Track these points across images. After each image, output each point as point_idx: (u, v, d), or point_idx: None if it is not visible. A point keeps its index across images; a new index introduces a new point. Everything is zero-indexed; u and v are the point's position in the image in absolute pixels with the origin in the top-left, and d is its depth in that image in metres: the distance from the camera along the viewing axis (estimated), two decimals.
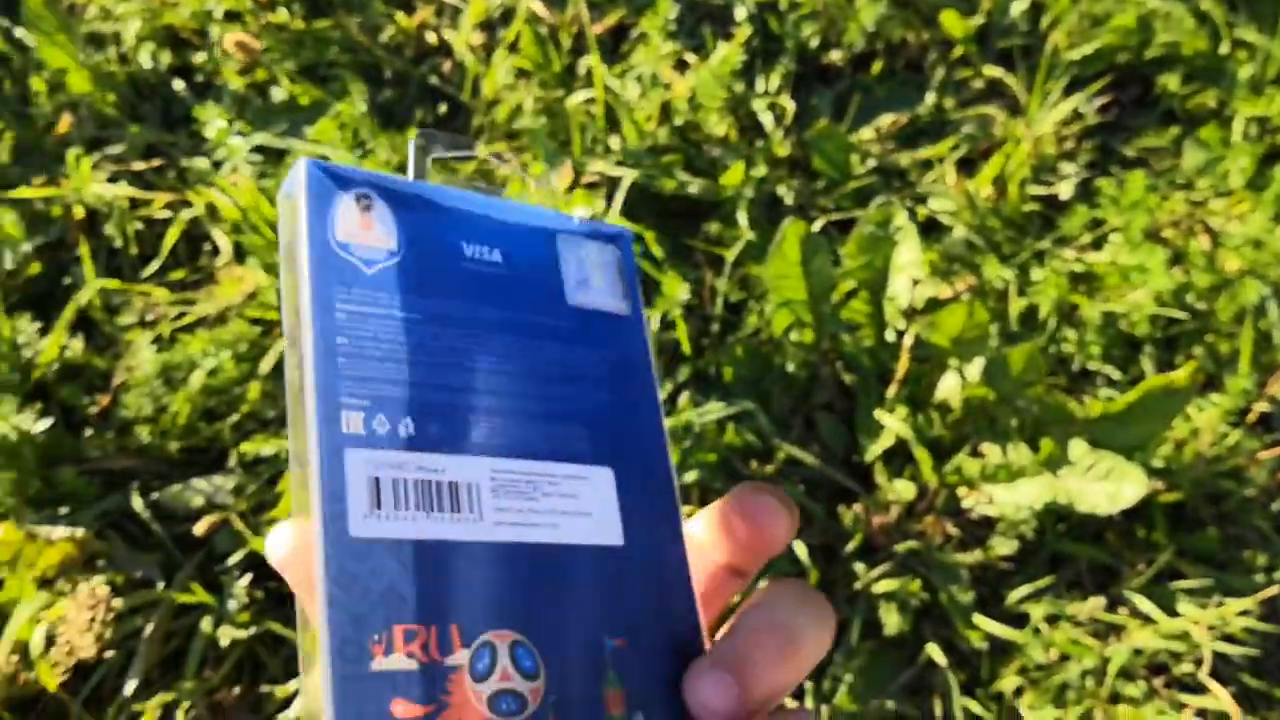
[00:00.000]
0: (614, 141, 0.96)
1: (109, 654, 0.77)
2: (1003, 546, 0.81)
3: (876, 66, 1.03)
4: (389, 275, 0.34)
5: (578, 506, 0.34)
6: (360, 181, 0.35)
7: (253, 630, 0.80)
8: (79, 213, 0.94)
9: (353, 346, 0.33)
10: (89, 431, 0.87)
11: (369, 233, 0.35)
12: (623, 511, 0.35)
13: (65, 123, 0.98)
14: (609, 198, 0.92)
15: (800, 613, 0.33)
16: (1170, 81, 1.01)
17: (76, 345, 0.89)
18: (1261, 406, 0.87)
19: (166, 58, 1.01)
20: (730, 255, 0.89)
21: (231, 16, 1.02)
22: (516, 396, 0.35)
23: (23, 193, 0.93)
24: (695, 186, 0.94)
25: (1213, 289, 0.91)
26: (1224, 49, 1.03)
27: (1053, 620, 0.80)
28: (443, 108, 1.02)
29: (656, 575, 0.35)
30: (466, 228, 0.36)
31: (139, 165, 0.96)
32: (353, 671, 0.30)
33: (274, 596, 0.82)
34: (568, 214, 0.39)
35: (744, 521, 0.35)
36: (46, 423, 0.85)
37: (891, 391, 0.86)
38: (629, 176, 0.92)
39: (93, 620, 0.73)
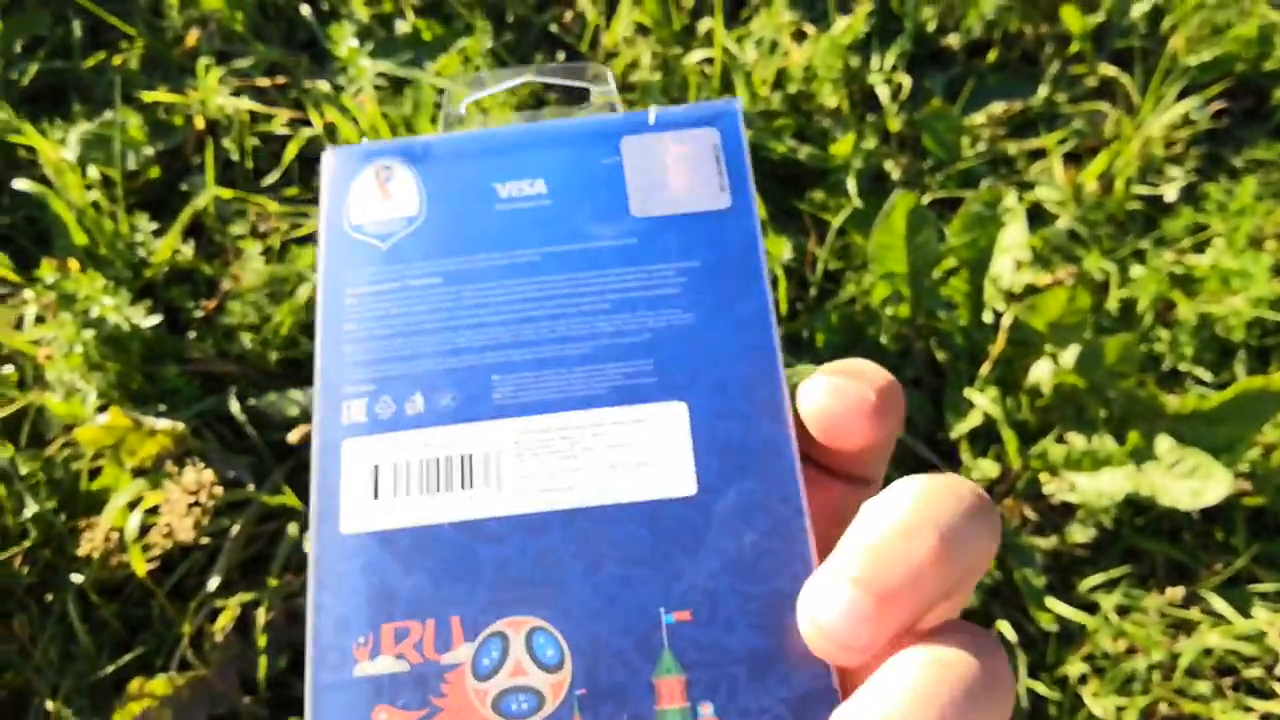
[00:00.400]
0: None
1: (204, 540, 0.79)
2: (1080, 534, 0.82)
3: (992, 55, 1.03)
4: (406, 245, 0.33)
5: (631, 456, 0.29)
6: (380, 153, 0.34)
7: None
8: (200, 123, 0.97)
9: (361, 331, 0.31)
10: (193, 334, 0.89)
11: (388, 204, 0.33)
12: (699, 453, 0.29)
13: (193, 36, 1.01)
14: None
15: (946, 506, 0.25)
16: None
17: (188, 250, 0.91)
18: None
19: None
20: (836, 221, 0.90)
21: None
22: (557, 342, 0.31)
23: (150, 96, 0.95)
24: (804, 153, 0.95)
25: None
26: None
27: (1124, 611, 0.81)
28: (561, 55, 1.03)
29: (746, 524, 0.28)
30: (501, 166, 0.34)
31: (262, 82, 0.98)
32: (333, 679, 0.27)
33: None
34: (640, 111, 0.35)
35: (813, 411, 0.28)
36: (155, 319, 0.87)
37: (983, 371, 0.86)
38: None
39: (194, 505, 0.75)
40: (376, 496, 0.29)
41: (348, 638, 0.28)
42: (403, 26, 1.02)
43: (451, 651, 0.27)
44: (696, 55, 0.99)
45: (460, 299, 0.31)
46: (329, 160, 0.33)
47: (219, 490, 0.76)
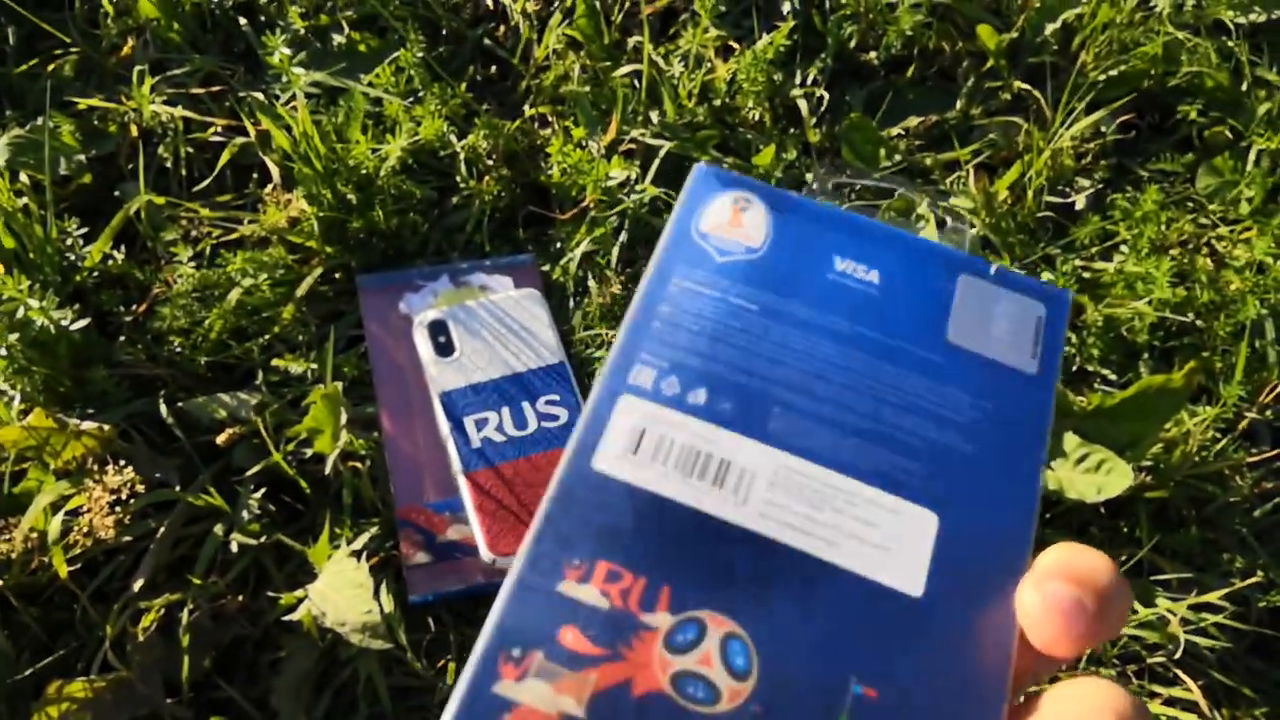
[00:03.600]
0: (654, 115, 1.00)
1: (127, 540, 0.80)
2: None
3: (910, 71, 1.07)
4: (740, 267, 0.35)
5: (874, 537, 0.31)
6: (745, 185, 0.37)
7: (263, 540, 0.83)
8: (135, 130, 0.98)
9: (673, 316, 0.34)
10: (123, 338, 0.90)
11: (736, 229, 0.36)
12: (936, 564, 0.31)
13: (129, 45, 1.02)
14: (644, 166, 0.96)
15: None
16: (1190, 111, 1.05)
17: (119, 256, 0.92)
18: (1252, 415, 0.90)
19: None
20: None
21: None
22: (841, 407, 0.33)
23: (84, 103, 0.96)
24: (728, 164, 0.98)
25: (1213, 307, 0.95)
26: (1244, 86, 1.07)
27: None
28: (493, 69, 1.06)
29: (956, 648, 0.30)
30: (846, 244, 0.36)
31: (198, 91, 1.00)
32: (537, 583, 0.29)
33: (286, 511, 0.85)
34: (984, 259, 0.37)
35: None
36: (83, 323, 0.88)
37: None
38: (665, 148, 0.96)
39: (116, 505, 0.76)
40: (635, 453, 0.31)
41: (565, 554, 0.30)
42: (338, 38, 1.03)
43: (653, 614, 0.29)
44: (625, 69, 1.02)
45: (768, 331, 0.34)
46: (702, 172, 0.37)
47: (141, 489, 0.76)
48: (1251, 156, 1.03)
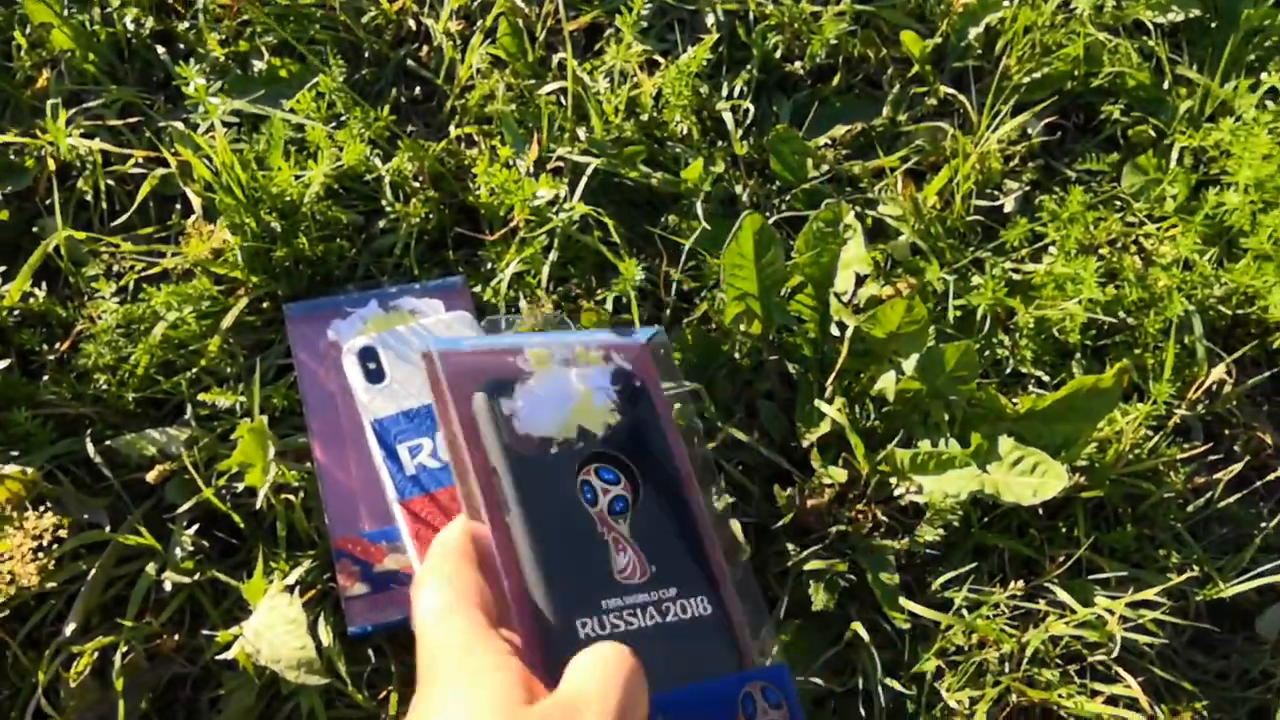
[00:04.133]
0: (581, 132, 1.00)
1: (54, 585, 0.78)
2: (929, 534, 0.85)
3: (836, 79, 1.07)
4: None
5: None
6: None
7: (197, 577, 0.81)
8: (52, 164, 0.96)
9: None
10: (46, 377, 0.88)
11: None
12: None
13: (44, 78, 1.00)
14: (572, 184, 0.96)
15: None
16: (1114, 110, 1.06)
17: (40, 294, 0.90)
18: (1182, 412, 0.91)
19: (150, 22, 1.03)
20: (687, 244, 0.92)
21: None
22: None
23: (2, 139, 0.94)
24: (656, 179, 0.98)
25: (1142, 305, 0.96)
26: (1166, 84, 1.08)
27: (974, 607, 0.83)
28: (417, 90, 1.05)
29: None
30: None
31: (115, 123, 0.98)
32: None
33: (221, 546, 0.84)
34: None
35: None
36: (3, 364, 0.86)
37: (831, 382, 0.89)
38: (593, 164, 0.95)
39: (38, 550, 0.74)
40: None
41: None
42: (259, 64, 1.02)
43: None
44: (550, 87, 1.01)
45: None
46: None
47: (64, 534, 0.75)
48: (1174, 154, 1.04)
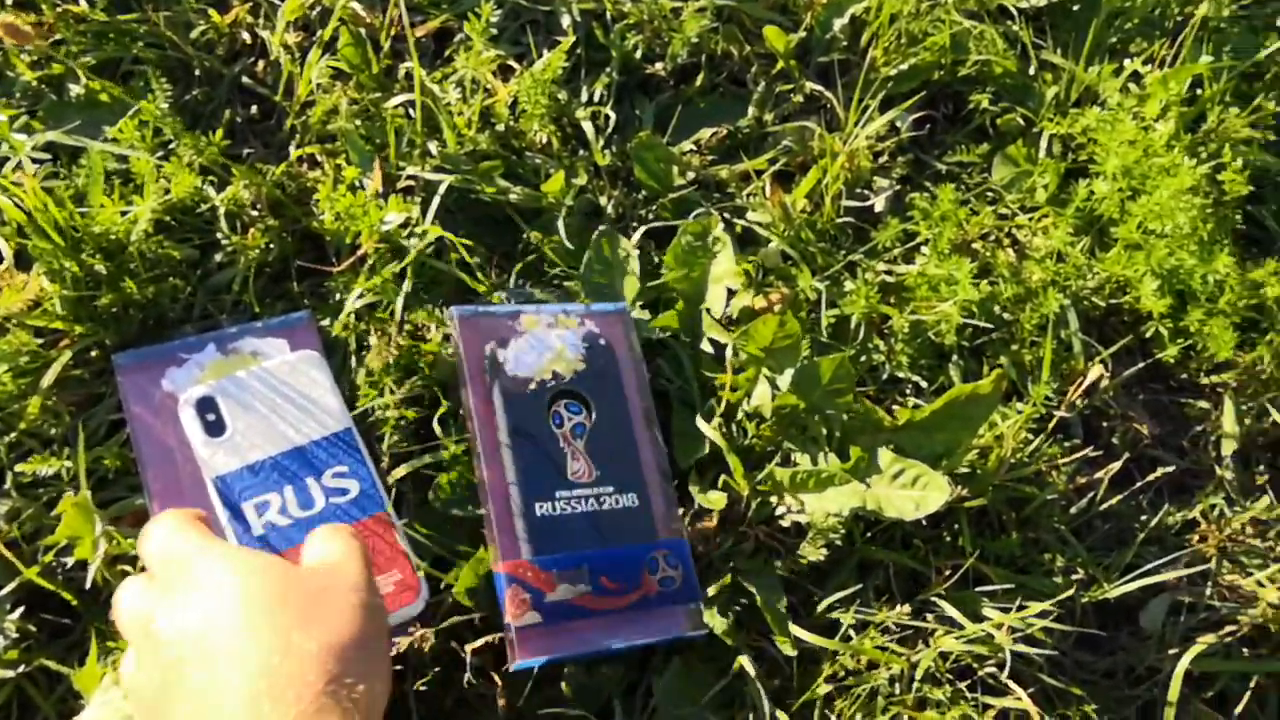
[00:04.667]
0: (432, 147, 0.94)
1: None
2: (812, 554, 0.82)
3: (699, 79, 1.03)
4: None
5: None
6: None
7: (23, 669, 0.74)
8: None
9: None
10: None
11: None
12: None
13: None
14: (425, 205, 0.90)
15: None
16: (982, 99, 1.04)
17: None
18: (1061, 413, 0.90)
19: None
20: (551, 263, 0.88)
21: (23, 4, 0.96)
22: None
23: None
24: (515, 194, 0.93)
25: (1017, 300, 0.94)
26: (1032, 70, 1.07)
27: (862, 627, 0.81)
28: (254, 109, 0.98)
29: None
30: None
31: None
32: None
33: (49, 629, 0.77)
34: None
35: None
36: None
37: (710, 402, 0.85)
38: (446, 182, 0.90)
39: None
40: None
41: None
42: (75, 89, 0.94)
43: None
44: (397, 99, 0.95)
45: None
46: None
47: None
48: (1043, 143, 1.03)
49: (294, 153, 0.94)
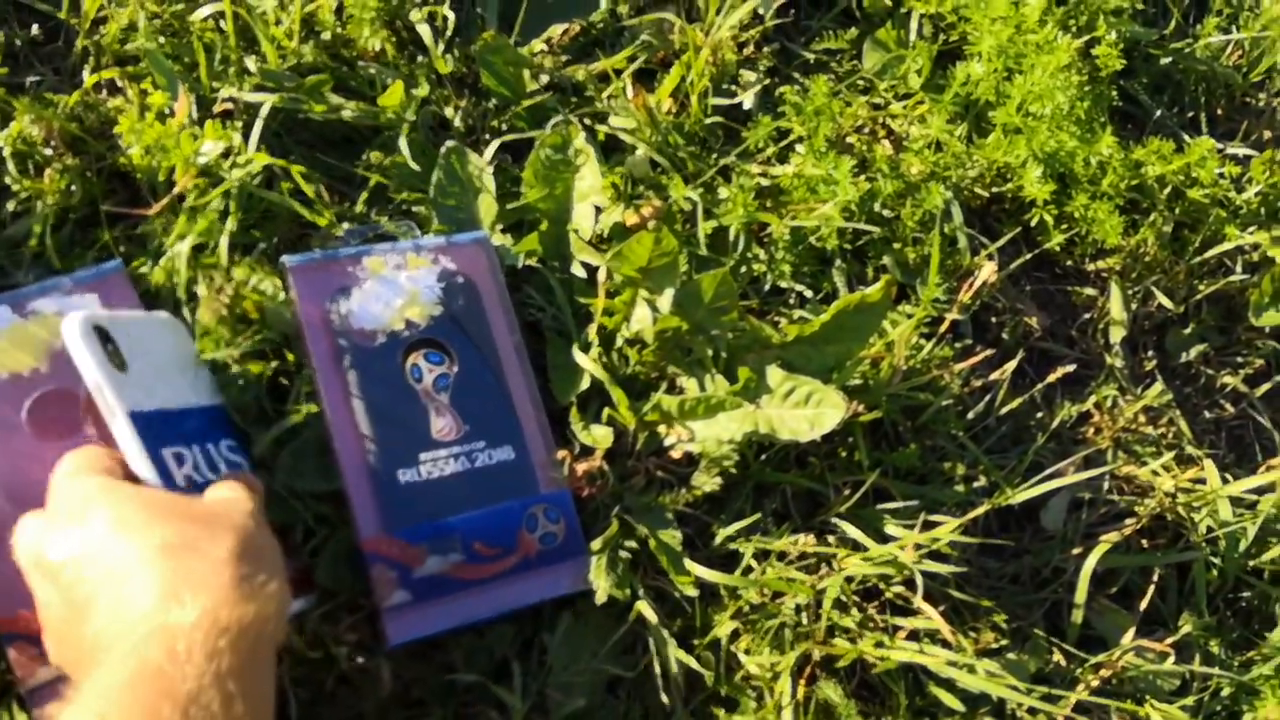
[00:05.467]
0: (250, 63, 0.83)
1: None
2: (706, 484, 0.77)
3: None
4: None
5: None
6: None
7: None
8: None
9: None
10: None
11: None
12: None
13: None
14: (246, 130, 0.80)
15: None
16: None
17: None
18: (953, 316, 0.86)
19: None
20: (394, 187, 0.79)
21: None
22: None
23: None
24: (349, 111, 0.83)
25: (898, 196, 0.89)
26: None
27: (763, 557, 0.77)
28: (34, 28, 0.85)
29: None
30: None
31: None
32: None
33: None
34: None
35: None
36: None
37: (587, 331, 0.79)
38: (269, 102, 0.80)
39: None
40: None
41: None
42: None
43: None
44: (205, 10, 0.84)
45: None
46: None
47: None
48: (913, 24, 0.97)
49: (89, 79, 0.81)
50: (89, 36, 0.84)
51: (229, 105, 0.82)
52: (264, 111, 0.79)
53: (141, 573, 0.53)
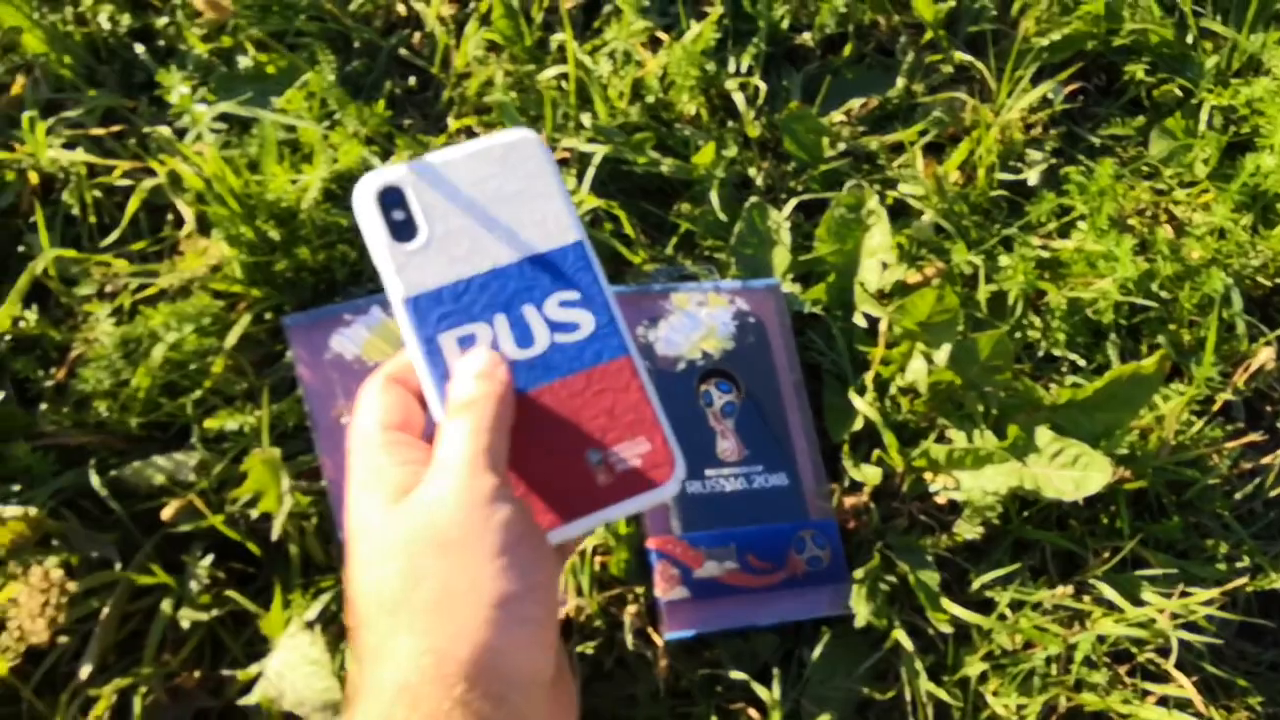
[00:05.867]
0: (585, 118, 0.95)
1: (62, 639, 0.75)
2: (968, 531, 0.82)
3: (847, 49, 1.02)
4: None
5: None
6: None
7: (214, 612, 0.78)
8: (34, 178, 0.91)
9: None
10: (44, 406, 0.84)
11: None
12: None
13: (19, 85, 0.95)
14: (580, 175, 0.91)
15: None
16: (1137, 70, 1.01)
17: (31, 317, 0.86)
18: (1225, 396, 0.88)
19: (126, 20, 0.98)
20: (700, 234, 0.88)
21: None
22: None
23: None
24: (666, 166, 0.93)
25: (1177, 278, 0.92)
26: (1190, 39, 1.04)
27: (1018, 606, 0.81)
28: (412, 80, 1.00)
29: None
30: None
31: (98, 131, 0.93)
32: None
33: (237, 577, 0.81)
34: None
35: None
36: None
37: (863, 375, 0.86)
38: (600, 153, 0.91)
39: (45, 604, 0.71)
40: None
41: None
42: (244, 61, 0.97)
43: None
44: (551, 71, 0.97)
45: None
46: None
47: (72, 585, 0.72)
48: (1203, 115, 1.00)
49: (452, 124, 0.96)
50: (454, 89, 0.98)
51: (566, 154, 0.94)
52: (595, 160, 0.91)
53: (377, 627, 0.48)
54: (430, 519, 0.48)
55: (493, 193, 0.55)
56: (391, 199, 0.53)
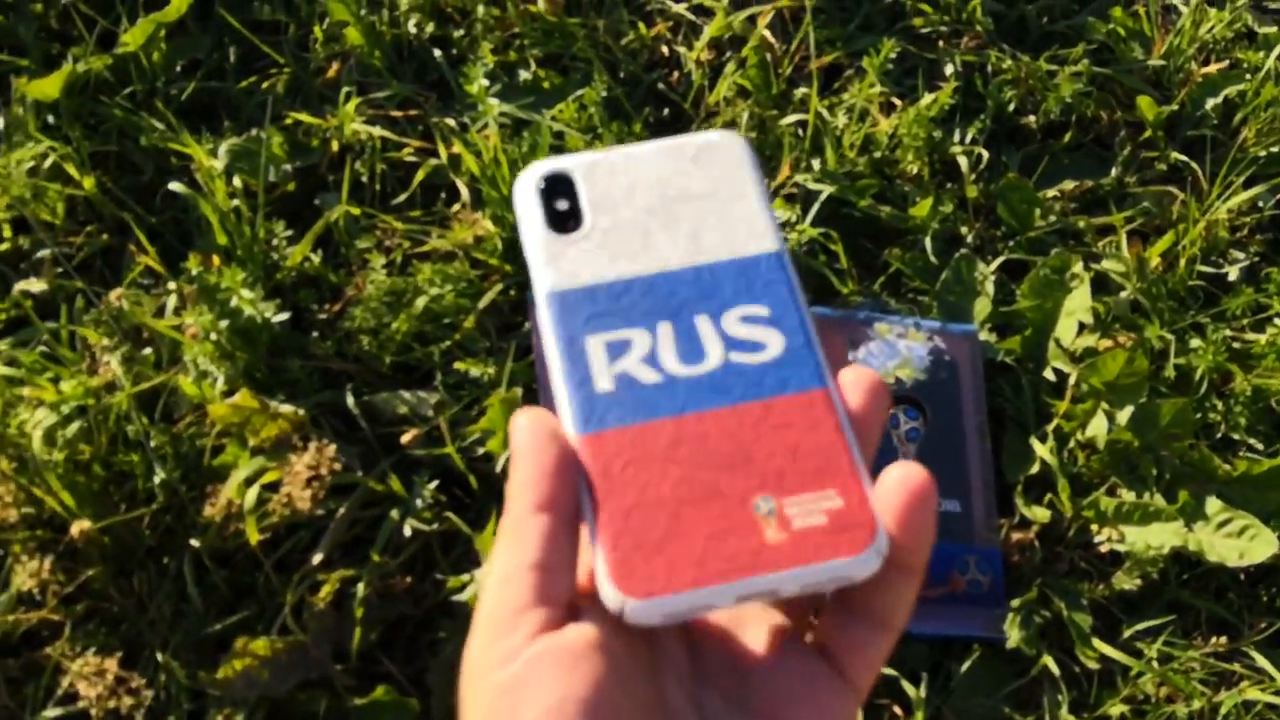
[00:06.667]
0: (815, 163, 1.05)
1: (318, 513, 0.87)
2: (1126, 582, 0.86)
3: (1067, 136, 1.10)
4: None
5: None
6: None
7: (434, 527, 0.89)
8: (336, 145, 1.06)
9: None
10: (316, 334, 0.98)
11: None
12: None
13: (335, 69, 1.11)
14: (804, 208, 1.01)
15: None
16: None
17: (316, 258, 1.00)
18: None
19: (430, 27, 1.13)
20: (909, 275, 0.96)
21: (493, 0, 1.14)
22: None
23: (293, 117, 1.06)
24: (884, 213, 1.02)
25: None
26: None
27: (1165, 660, 0.85)
28: (666, 111, 1.12)
29: None
30: None
31: (395, 113, 1.08)
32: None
33: (456, 501, 0.91)
34: None
35: None
36: (283, 316, 0.96)
37: (1045, 424, 0.92)
38: (826, 191, 1.01)
39: (313, 479, 0.83)
40: None
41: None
42: (524, 74, 1.11)
43: None
44: (791, 119, 1.07)
45: None
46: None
47: (338, 466, 0.83)
48: None
49: None
50: (702, 124, 1.10)
51: (794, 190, 1.04)
52: (821, 198, 1.01)
53: None
54: None
55: (678, 190, 0.47)
56: (558, 187, 0.46)
